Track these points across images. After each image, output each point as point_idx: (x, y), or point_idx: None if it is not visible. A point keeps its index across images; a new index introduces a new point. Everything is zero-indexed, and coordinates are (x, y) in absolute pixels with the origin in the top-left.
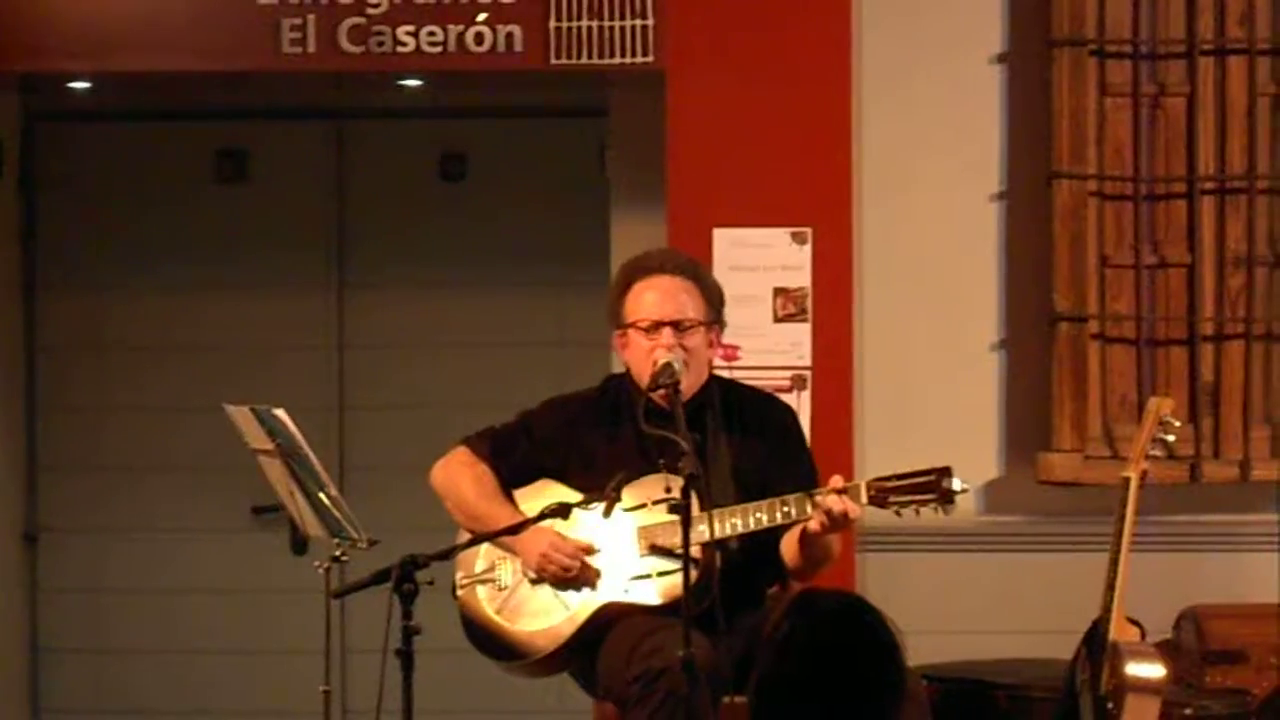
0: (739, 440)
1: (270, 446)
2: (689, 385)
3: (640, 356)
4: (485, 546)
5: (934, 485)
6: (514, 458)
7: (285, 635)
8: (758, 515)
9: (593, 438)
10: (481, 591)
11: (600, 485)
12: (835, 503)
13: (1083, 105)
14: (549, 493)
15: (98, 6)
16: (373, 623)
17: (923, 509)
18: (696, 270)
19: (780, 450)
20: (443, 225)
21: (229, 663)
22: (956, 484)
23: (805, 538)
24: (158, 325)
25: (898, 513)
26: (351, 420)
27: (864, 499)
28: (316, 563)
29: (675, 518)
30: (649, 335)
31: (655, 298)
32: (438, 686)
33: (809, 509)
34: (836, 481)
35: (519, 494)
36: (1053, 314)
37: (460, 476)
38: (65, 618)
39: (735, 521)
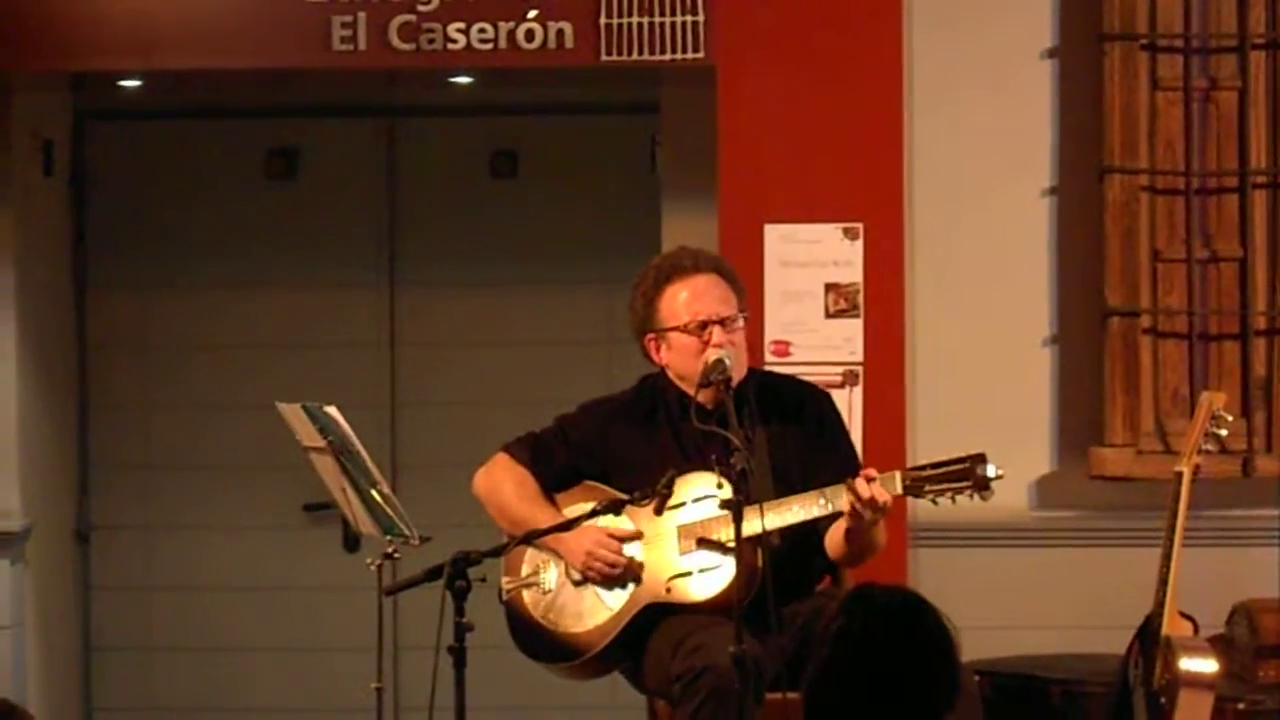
0: (776, 431)
1: (322, 444)
2: (735, 380)
3: (689, 357)
4: (530, 550)
5: (968, 472)
6: (553, 463)
7: (337, 633)
8: (796, 508)
9: (631, 439)
10: (527, 595)
11: (639, 486)
12: (863, 488)
13: (1134, 100)
14: (592, 495)
15: (148, 5)
16: (425, 620)
17: (960, 497)
18: (722, 265)
19: (818, 440)
20: (493, 222)
21: (281, 660)
22: (991, 470)
23: (848, 531)
24: (209, 323)
25: (934, 501)
26: (403, 417)
27: (899, 488)
28: (368, 560)
29: (718, 514)
30: (698, 336)
31: (699, 298)
32: (490, 682)
33: (845, 499)
34: (870, 472)
35: (561, 497)
36: (1105, 309)
37: (502, 482)
38: (117, 616)
39: (774, 515)
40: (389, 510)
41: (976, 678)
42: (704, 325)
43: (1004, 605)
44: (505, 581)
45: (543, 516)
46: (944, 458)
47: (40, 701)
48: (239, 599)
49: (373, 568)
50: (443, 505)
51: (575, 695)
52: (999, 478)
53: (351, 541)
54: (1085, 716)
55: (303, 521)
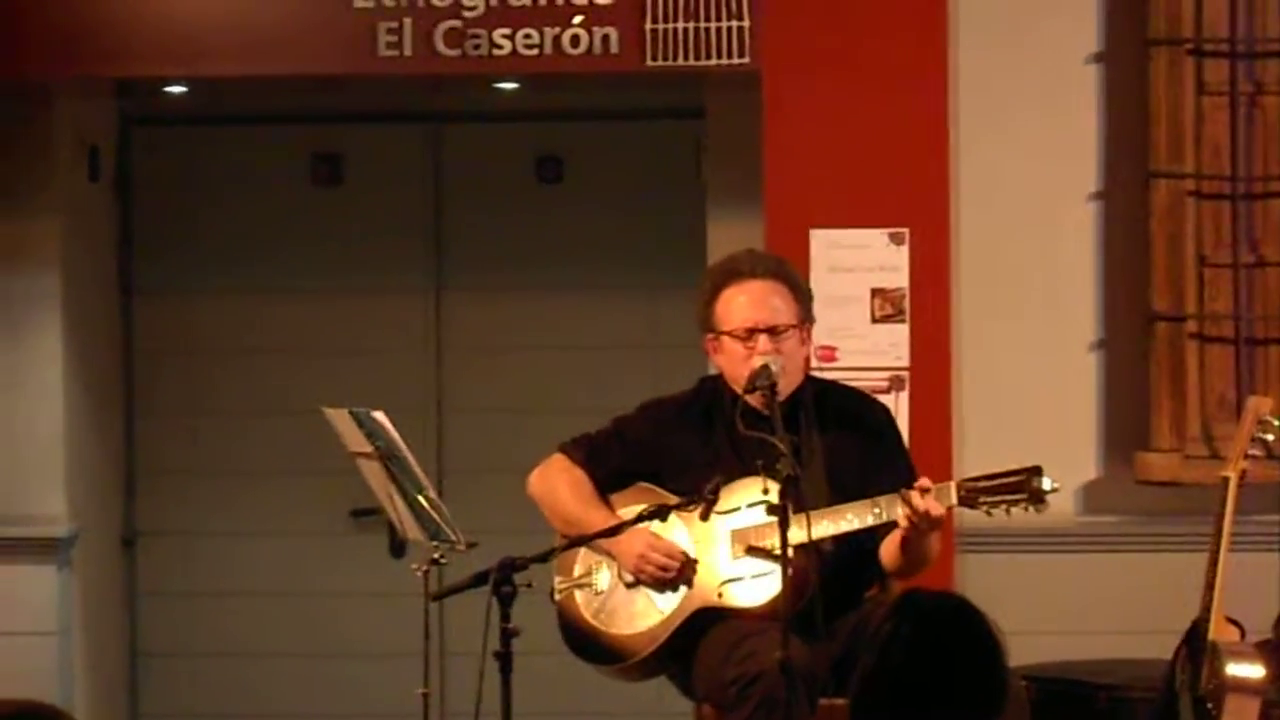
0: (833, 440)
1: (369, 449)
2: (785, 387)
3: (736, 362)
4: (582, 551)
5: (1024, 485)
6: (609, 463)
7: (383, 639)
8: (849, 517)
9: (687, 441)
10: (579, 595)
11: (695, 488)
12: (918, 501)
13: (1180, 104)
14: (646, 496)
15: (193, 10)
16: (471, 625)
17: (1014, 509)
18: (784, 269)
19: (876, 451)
20: (539, 227)
21: (327, 666)
22: (1047, 483)
23: (903, 541)
24: (254, 328)
25: (988, 512)
26: (449, 422)
27: (954, 499)
28: (415, 565)
29: (769, 520)
30: (745, 342)
31: (749, 304)
32: (536, 688)
33: (900, 510)
34: (925, 483)
35: (615, 498)
36: (1151, 313)
37: (557, 482)
38: (163, 622)
39: (827, 523)
40: (435, 515)
41: (1023, 683)
42: (751, 332)
43: (1050, 610)
44: (558, 581)
45: (597, 517)
46: (998, 469)
47: (86, 707)
48: (284, 605)
49: (419, 573)
50: (489, 510)
51: (622, 701)
52: (1054, 490)
53: (398, 547)
54: None
55: (349, 527)
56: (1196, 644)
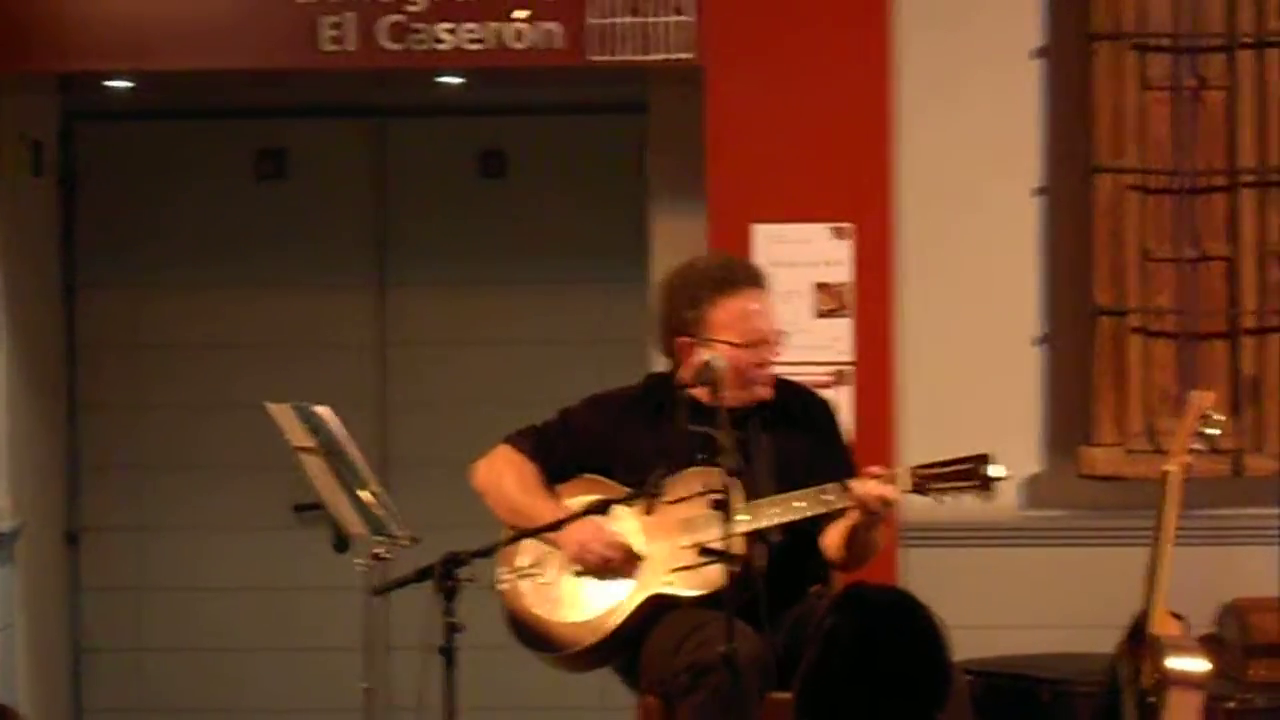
0: (781, 435)
1: (312, 444)
2: (767, 394)
3: (739, 368)
4: (529, 541)
5: (974, 472)
6: (556, 455)
7: (327, 633)
8: (798, 504)
9: (638, 434)
10: (524, 585)
11: (643, 481)
12: (873, 486)
13: (1122, 99)
14: (593, 488)
15: (136, 6)
16: (414, 620)
17: (963, 496)
18: (764, 278)
19: (822, 444)
20: (482, 222)
21: (270, 661)
22: (995, 470)
23: (850, 531)
24: (198, 324)
25: (939, 500)
26: (393, 418)
27: (908, 485)
28: (358, 560)
29: (717, 512)
30: (753, 350)
31: (761, 314)
32: (479, 683)
33: (849, 499)
34: (876, 469)
35: (563, 488)
36: (1093, 308)
37: (503, 473)
38: (107, 617)
39: (776, 511)
40: (379, 510)
41: (967, 677)
42: (758, 343)
43: (993, 605)
44: (502, 571)
45: (544, 508)
46: (946, 457)
47: (30, 703)
48: (229, 599)
49: (362, 568)
50: (433, 506)
51: (564, 696)
52: (1005, 478)
53: (341, 542)
54: (1075, 716)
55: (293, 522)
56: (1139, 638)
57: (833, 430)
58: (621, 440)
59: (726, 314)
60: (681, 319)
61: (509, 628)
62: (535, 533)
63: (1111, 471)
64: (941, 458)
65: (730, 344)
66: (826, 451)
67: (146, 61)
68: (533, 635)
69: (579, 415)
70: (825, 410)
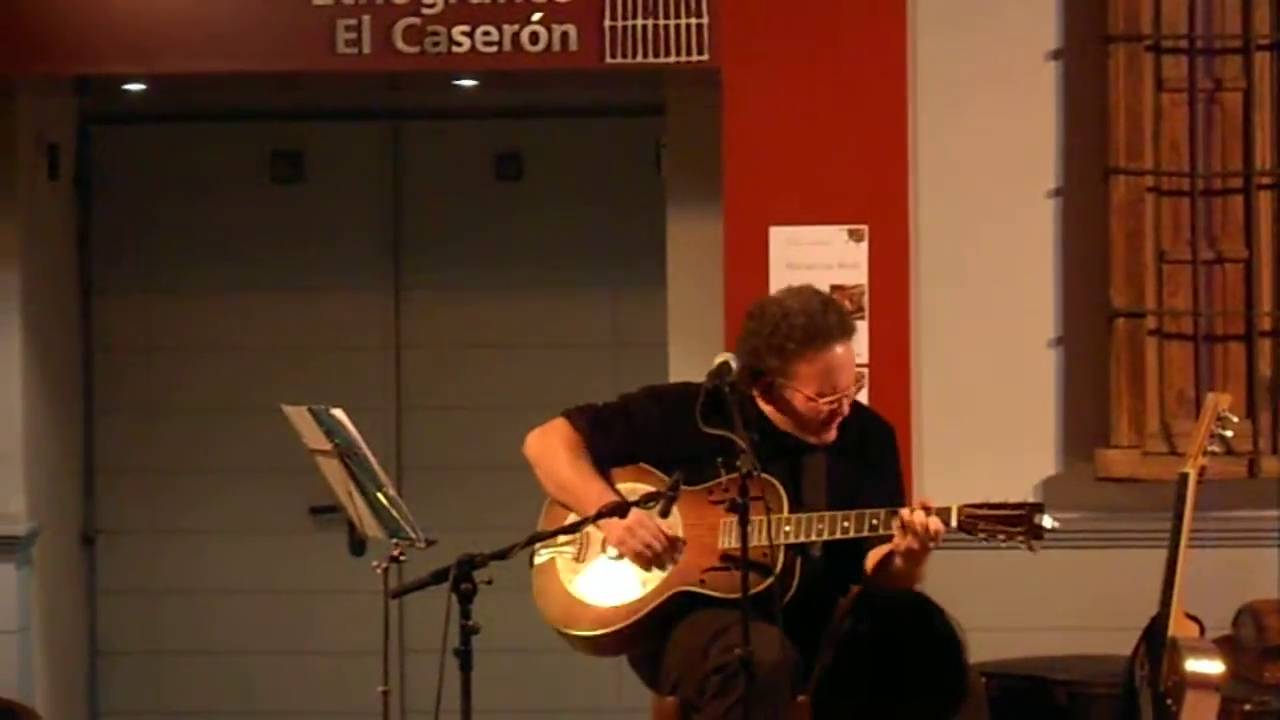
0: (836, 455)
1: (328, 447)
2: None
3: (796, 413)
4: (570, 516)
5: (1025, 519)
6: (611, 438)
7: (343, 636)
8: (844, 524)
9: (699, 432)
10: (560, 562)
11: (704, 478)
12: (921, 516)
13: (1139, 101)
14: (645, 477)
15: (152, 8)
16: (431, 623)
17: (1010, 541)
18: (850, 318)
19: (877, 467)
20: (498, 225)
21: (287, 663)
22: (1047, 521)
23: (892, 559)
24: (214, 326)
25: (984, 540)
26: (408, 421)
27: (954, 522)
28: (374, 563)
29: (760, 518)
30: (824, 399)
31: (841, 371)
32: (496, 686)
33: (895, 525)
34: (927, 501)
35: (617, 473)
36: (1110, 310)
37: (556, 446)
38: (123, 620)
39: (821, 527)
40: (395, 513)
41: (983, 679)
42: (836, 397)
43: (1010, 607)
44: (540, 546)
45: (590, 487)
46: (1001, 499)
47: (47, 705)
48: (244, 602)
49: (378, 571)
50: (448, 508)
51: (581, 697)
52: (1053, 530)
53: (357, 545)
54: (1091, 718)
55: (308, 525)
56: (1156, 640)
57: (889, 456)
58: (682, 436)
59: (811, 369)
60: (765, 363)
61: (537, 601)
62: (551, 535)
63: (1128, 473)
64: (958, 461)
65: (808, 397)
66: (880, 475)
67: (162, 65)
68: (560, 612)
69: (638, 404)
70: (886, 435)
